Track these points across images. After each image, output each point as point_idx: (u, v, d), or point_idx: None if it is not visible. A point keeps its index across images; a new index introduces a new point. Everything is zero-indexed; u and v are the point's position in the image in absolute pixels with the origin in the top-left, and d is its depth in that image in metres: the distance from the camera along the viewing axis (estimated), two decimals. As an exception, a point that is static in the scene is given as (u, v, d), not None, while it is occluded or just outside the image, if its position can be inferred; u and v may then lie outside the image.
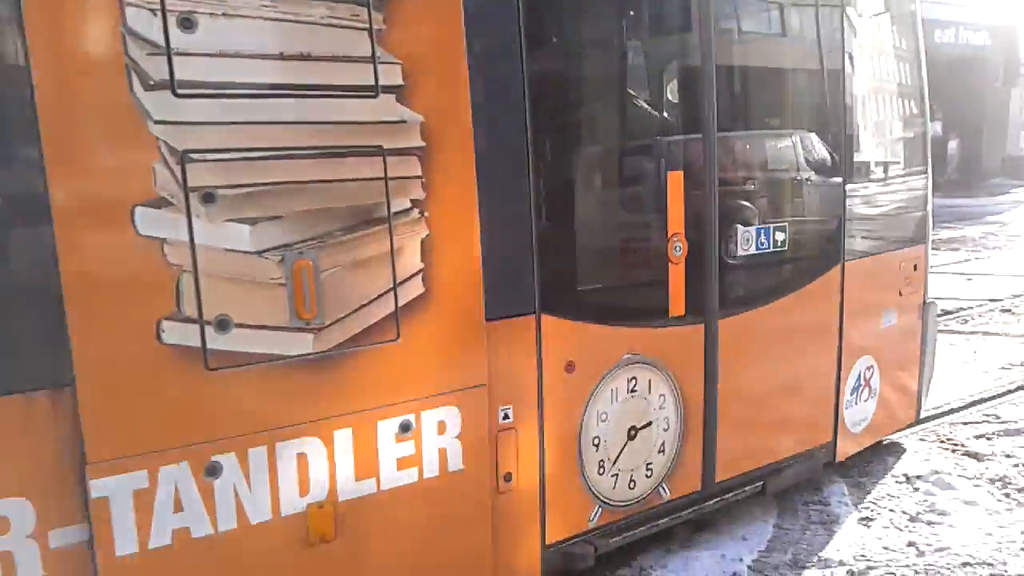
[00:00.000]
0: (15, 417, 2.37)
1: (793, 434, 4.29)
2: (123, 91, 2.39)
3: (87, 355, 2.39)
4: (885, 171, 4.76)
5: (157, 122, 2.43)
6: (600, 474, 3.56)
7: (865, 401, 4.62)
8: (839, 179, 4.28)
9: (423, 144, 2.86)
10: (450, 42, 2.91)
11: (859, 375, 4.53)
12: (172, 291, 2.49)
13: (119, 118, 2.40)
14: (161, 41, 2.43)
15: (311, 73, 2.67)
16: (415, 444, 2.97)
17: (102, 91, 2.37)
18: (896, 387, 4.85)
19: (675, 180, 3.62)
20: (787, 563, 3.72)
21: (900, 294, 4.75)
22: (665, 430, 3.73)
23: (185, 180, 2.48)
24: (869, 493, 4.41)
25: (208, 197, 2.52)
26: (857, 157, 4.43)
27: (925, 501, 4.26)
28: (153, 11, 2.41)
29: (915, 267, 4.84)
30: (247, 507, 2.68)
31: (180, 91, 2.46)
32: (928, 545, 3.83)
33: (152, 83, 2.42)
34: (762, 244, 3.96)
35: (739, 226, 3.86)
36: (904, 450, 4.95)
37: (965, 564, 3.65)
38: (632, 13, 3.97)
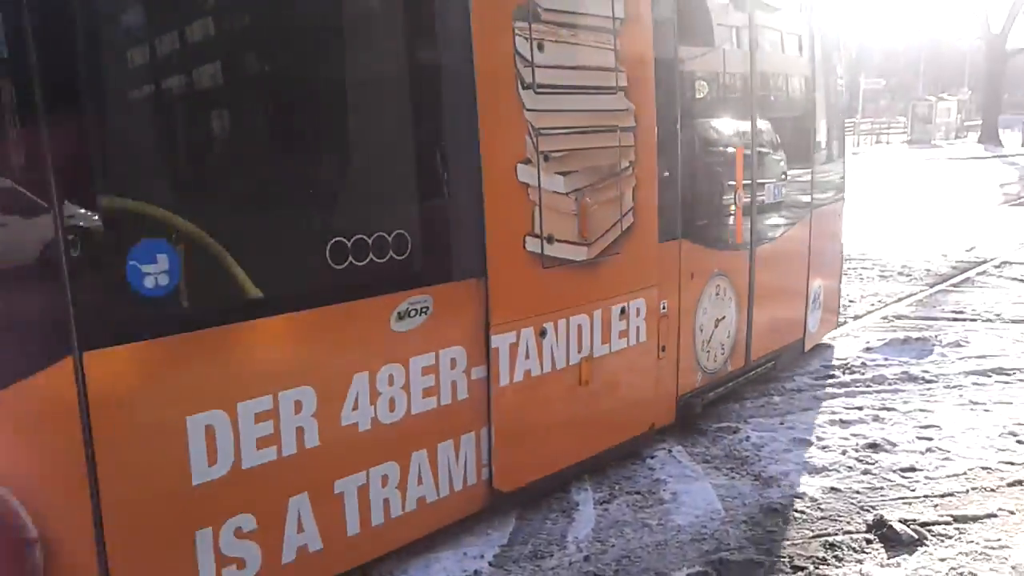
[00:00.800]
0: (461, 295, 3.75)
1: (786, 330, 6.21)
2: (513, 89, 3.83)
3: (493, 256, 3.80)
4: (829, 149, 6.80)
5: (528, 110, 3.88)
6: (703, 350, 5.28)
7: (816, 311, 6.63)
8: (811, 153, 6.28)
9: (634, 125, 4.44)
10: (644, 58, 4.51)
11: (815, 291, 6.53)
12: (531, 217, 3.95)
13: (512, 107, 3.83)
14: (530, 57, 3.88)
15: (590, 78, 4.20)
16: (626, 322, 4.56)
17: (507, 90, 3.80)
18: (829, 304, 6.92)
19: (739, 155, 5.42)
20: (527, 555, 3.84)
21: (833, 236, 6.82)
22: (730, 322, 5.51)
23: (537, 147, 3.95)
24: (608, 477, 4.66)
25: (546, 157, 3.99)
26: (818, 138, 6.43)
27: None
28: (526, 39, 3.86)
29: (839, 215, 6.95)
30: (556, 357, 4.17)
31: (538, 90, 3.92)
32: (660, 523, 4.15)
33: (525, 84, 3.87)
34: (777, 193, 5.86)
35: (766, 182, 5.73)
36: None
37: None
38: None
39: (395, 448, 3.57)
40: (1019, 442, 4.92)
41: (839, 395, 5.78)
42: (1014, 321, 7.56)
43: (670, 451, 4.91)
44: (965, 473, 4.55)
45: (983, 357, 6.45)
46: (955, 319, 7.71)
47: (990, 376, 6.04)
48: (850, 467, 4.66)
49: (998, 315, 7.81)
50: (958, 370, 6.17)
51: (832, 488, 4.41)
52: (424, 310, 3.57)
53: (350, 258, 3.29)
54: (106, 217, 2.65)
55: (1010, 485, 4.40)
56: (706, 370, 5.36)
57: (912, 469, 4.61)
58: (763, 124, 5.80)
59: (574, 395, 4.31)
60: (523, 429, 4.07)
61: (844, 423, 5.26)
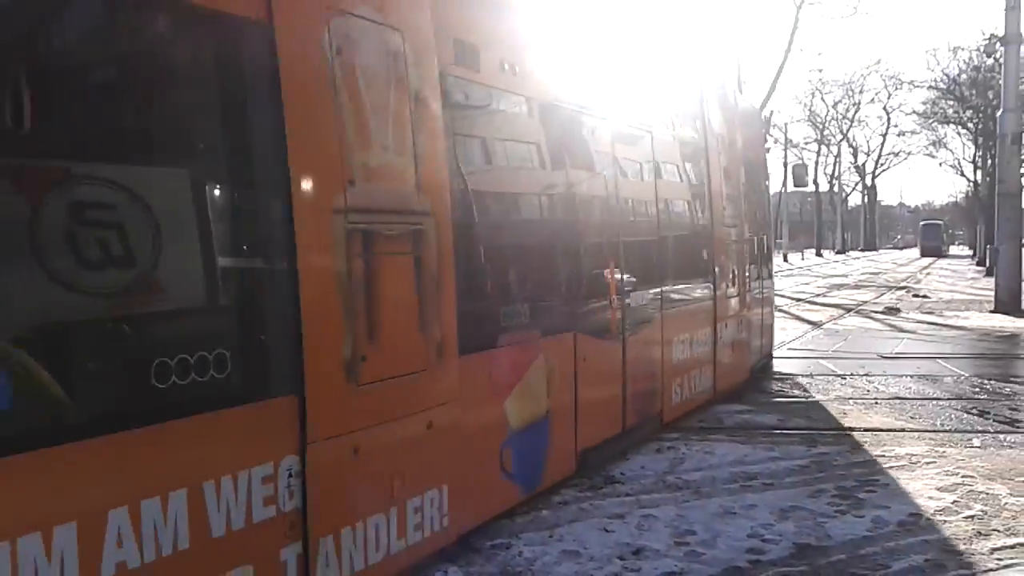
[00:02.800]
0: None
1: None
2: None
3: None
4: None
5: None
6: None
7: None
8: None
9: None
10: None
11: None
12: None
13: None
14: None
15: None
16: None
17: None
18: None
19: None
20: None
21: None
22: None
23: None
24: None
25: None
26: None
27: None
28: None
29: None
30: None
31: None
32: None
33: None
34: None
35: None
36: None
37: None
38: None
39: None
40: (765, 541, 5.31)
41: (603, 505, 6.01)
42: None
43: (445, 572, 4.88)
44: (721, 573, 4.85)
45: (735, 464, 6.96)
46: (701, 427, 8.28)
47: (739, 482, 6.51)
48: (616, 574, 4.84)
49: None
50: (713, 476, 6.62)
51: (601, 597, 4.54)
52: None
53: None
54: None
55: (759, 582, 4.73)
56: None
57: (672, 573, 4.85)
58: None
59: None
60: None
61: (608, 531, 5.47)
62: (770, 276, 12.24)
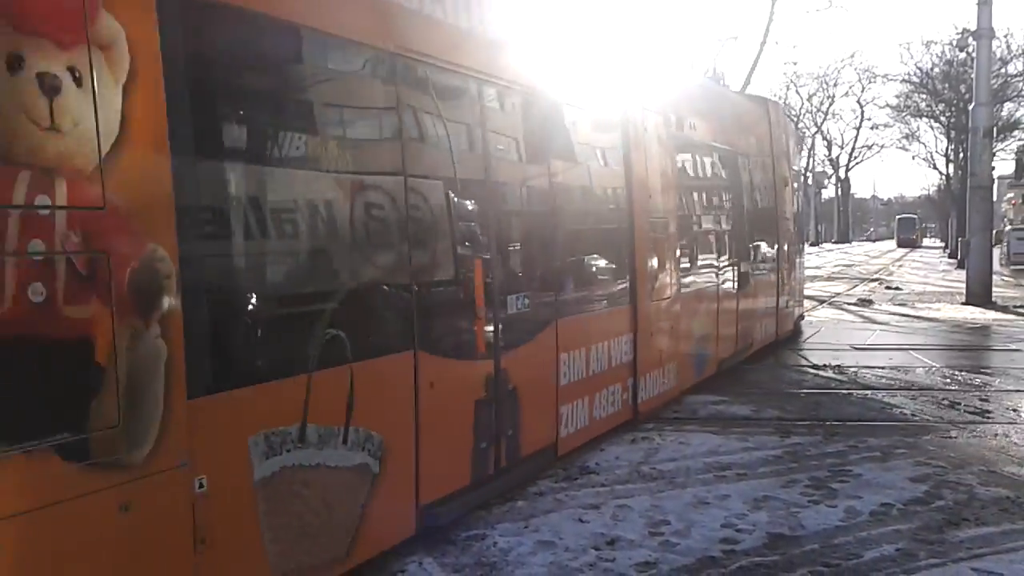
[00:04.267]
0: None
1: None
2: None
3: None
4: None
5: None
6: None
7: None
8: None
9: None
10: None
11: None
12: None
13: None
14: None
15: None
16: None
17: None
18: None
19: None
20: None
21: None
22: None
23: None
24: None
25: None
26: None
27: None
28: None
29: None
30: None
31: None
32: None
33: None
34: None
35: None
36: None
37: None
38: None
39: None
40: (738, 531, 5.34)
41: (578, 495, 6.02)
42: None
43: (420, 563, 4.88)
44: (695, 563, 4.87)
45: (709, 454, 7.00)
46: (675, 418, 8.32)
47: (713, 472, 6.54)
48: (591, 564, 4.85)
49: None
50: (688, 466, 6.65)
51: (576, 587, 4.55)
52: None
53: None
54: None
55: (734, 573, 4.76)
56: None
57: (647, 563, 4.87)
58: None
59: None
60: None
61: (583, 522, 5.48)
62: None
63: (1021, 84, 39.67)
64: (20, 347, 2.86)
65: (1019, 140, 46.07)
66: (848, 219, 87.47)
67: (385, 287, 4.84)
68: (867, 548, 5.04)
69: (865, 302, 20.67)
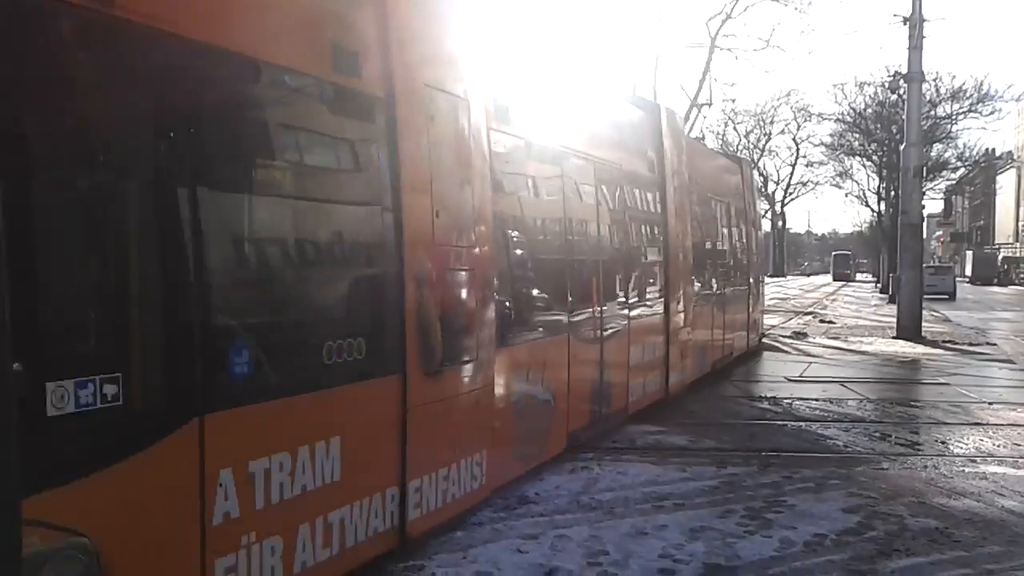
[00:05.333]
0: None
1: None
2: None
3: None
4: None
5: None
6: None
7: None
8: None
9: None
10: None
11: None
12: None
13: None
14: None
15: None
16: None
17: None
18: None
19: None
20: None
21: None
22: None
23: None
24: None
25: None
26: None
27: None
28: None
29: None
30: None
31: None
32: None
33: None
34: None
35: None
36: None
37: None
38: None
39: None
40: (676, 561, 5.36)
41: (517, 525, 5.99)
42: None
43: (356, 596, 4.79)
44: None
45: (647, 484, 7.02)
46: (614, 447, 8.34)
47: (651, 502, 6.56)
48: (530, 596, 4.82)
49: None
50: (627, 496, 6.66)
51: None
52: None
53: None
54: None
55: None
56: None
57: (586, 594, 4.86)
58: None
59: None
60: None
61: (522, 552, 5.45)
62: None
63: (949, 126, 41.10)
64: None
65: (948, 180, 47.68)
66: (783, 253, 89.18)
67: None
68: (801, 578, 5.10)
69: (800, 335, 21.04)
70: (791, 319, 27.05)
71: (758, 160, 68.20)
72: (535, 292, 7.45)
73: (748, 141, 66.48)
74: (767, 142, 67.63)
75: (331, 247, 4.89)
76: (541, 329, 7.34)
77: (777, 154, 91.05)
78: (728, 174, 15.90)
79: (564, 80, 8.31)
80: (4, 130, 3.01)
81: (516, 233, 7.03)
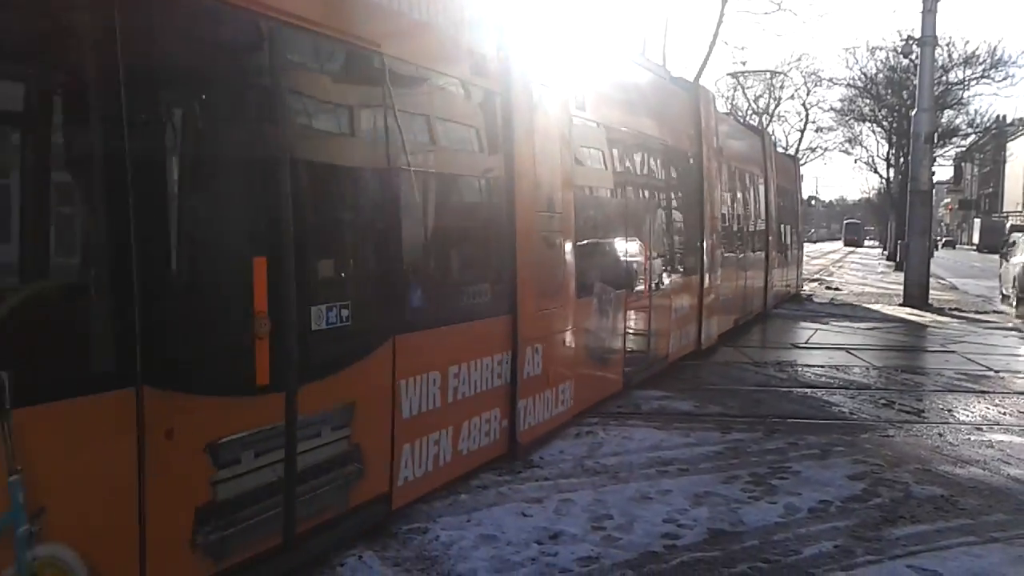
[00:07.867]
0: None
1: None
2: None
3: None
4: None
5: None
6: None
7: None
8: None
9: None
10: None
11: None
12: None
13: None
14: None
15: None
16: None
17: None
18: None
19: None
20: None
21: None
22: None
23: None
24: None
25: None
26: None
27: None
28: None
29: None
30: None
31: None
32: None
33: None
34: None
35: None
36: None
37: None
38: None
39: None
40: (680, 526, 5.36)
41: (521, 489, 6.00)
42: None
43: (360, 557, 4.80)
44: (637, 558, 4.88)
45: (652, 449, 7.02)
46: (619, 412, 8.34)
47: (655, 467, 6.56)
48: (533, 558, 4.82)
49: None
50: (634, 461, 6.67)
51: (518, 582, 4.52)
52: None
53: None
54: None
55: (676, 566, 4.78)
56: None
57: (589, 558, 4.86)
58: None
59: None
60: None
61: (526, 516, 5.46)
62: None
63: (961, 92, 40.64)
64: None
65: (958, 147, 47.24)
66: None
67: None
68: (806, 545, 5.09)
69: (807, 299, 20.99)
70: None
71: (767, 126, 67.74)
72: (601, 253, 8.55)
73: (757, 106, 65.98)
74: (776, 107, 67.09)
75: (470, 212, 6.45)
76: (605, 285, 8.41)
77: (786, 120, 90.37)
78: (750, 146, 16.53)
79: (625, 70, 9.62)
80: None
81: (586, 202, 8.19)
